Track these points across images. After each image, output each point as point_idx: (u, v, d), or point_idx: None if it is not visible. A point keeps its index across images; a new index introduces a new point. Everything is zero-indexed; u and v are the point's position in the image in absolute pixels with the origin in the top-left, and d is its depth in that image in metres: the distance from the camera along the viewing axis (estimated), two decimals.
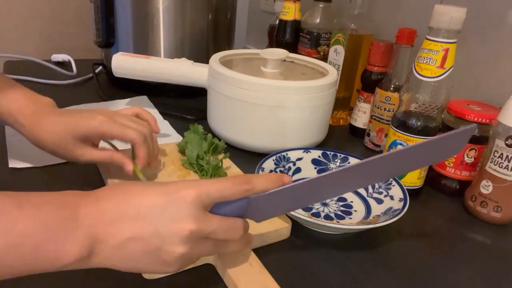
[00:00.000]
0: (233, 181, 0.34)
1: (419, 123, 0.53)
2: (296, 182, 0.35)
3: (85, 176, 0.54)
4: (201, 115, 0.74)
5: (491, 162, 0.51)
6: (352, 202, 0.53)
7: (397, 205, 0.49)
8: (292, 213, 0.45)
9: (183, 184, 0.33)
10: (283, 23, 0.89)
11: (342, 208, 0.52)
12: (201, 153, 0.56)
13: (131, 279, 0.39)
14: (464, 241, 0.50)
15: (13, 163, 0.55)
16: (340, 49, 0.75)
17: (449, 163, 0.58)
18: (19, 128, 0.48)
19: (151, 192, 0.33)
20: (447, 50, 0.50)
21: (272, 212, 0.38)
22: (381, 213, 0.49)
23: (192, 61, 0.72)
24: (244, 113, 0.61)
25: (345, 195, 0.55)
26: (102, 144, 0.52)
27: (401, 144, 0.55)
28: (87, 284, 0.38)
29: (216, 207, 0.34)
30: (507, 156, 0.50)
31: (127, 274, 0.39)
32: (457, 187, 0.58)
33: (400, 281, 0.42)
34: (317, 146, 0.66)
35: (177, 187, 0.33)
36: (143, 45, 0.84)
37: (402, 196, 0.50)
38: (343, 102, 0.79)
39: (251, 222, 0.46)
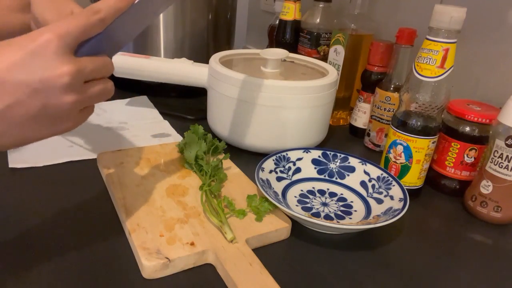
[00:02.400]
0: (85, 13, 0.32)
1: (419, 123, 0.53)
2: None
3: (85, 176, 0.54)
4: (201, 115, 0.74)
5: (491, 162, 0.51)
6: (352, 202, 0.53)
7: (397, 205, 0.49)
8: (292, 213, 0.45)
9: (37, 32, 0.30)
10: (283, 23, 0.89)
11: (342, 208, 0.52)
12: (200, 153, 0.56)
13: (131, 279, 0.39)
14: (464, 241, 0.50)
15: (13, 163, 0.55)
16: (340, 49, 0.75)
17: (449, 163, 0.58)
18: None
19: (4, 52, 0.30)
20: (447, 50, 0.50)
21: (122, 38, 0.37)
22: (381, 213, 0.49)
23: (192, 61, 0.72)
24: (244, 113, 0.61)
25: (345, 195, 0.55)
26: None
27: (401, 144, 0.55)
28: (86, 283, 0.38)
29: (76, 49, 0.33)
30: (507, 156, 0.50)
31: (127, 274, 0.39)
32: (457, 187, 0.58)
33: (400, 281, 0.42)
34: (317, 146, 0.66)
35: (31, 37, 0.30)
36: (143, 45, 0.84)
37: (402, 196, 0.50)
38: (343, 102, 0.79)
39: (250, 222, 0.46)
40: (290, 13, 0.87)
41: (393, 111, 0.65)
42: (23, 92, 0.30)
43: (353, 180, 0.57)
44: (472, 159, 0.57)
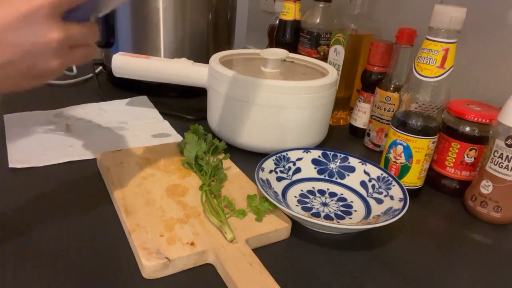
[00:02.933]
0: None
1: (419, 123, 0.53)
2: None
3: (85, 176, 0.54)
4: (201, 115, 0.74)
5: (491, 162, 0.51)
6: (352, 202, 0.53)
7: (397, 205, 0.49)
8: (292, 213, 0.45)
9: None
10: (283, 23, 0.89)
11: (342, 208, 0.52)
12: (200, 153, 0.56)
13: (131, 279, 0.39)
14: (464, 241, 0.50)
15: (13, 163, 0.55)
16: (340, 49, 0.75)
17: (449, 163, 0.58)
18: None
19: None
20: (447, 50, 0.50)
21: (109, 4, 0.39)
22: (381, 213, 0.49)
23: (192, 61, 0.72)
24: (244, 113, 0.61)
25: (345, 195, 0.55)
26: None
27: (401, 144, 0.55)
28: (86, 283, 0.38)
29: (66, 14, 0.35)
30: (507, 156, 0.50)
31: (127, 273, 0.39)
32: (457, 187, 0.58)
33: (400, 281, 0.42)
34: (317, 146, 0.66)
35: (24, 1, 0.32)
36: (143, 45, 0.84)
37: (402, 196, 0.50)
38: (343, 102, 0.79)
39: (250, 222, 0.46)
40: (290, 13, 0.87)
41: (393, 111, 0.65)
42: (14, 53, 0.32)
43: (353, 180, 0.57)
44: (472, 159, 0.57)
